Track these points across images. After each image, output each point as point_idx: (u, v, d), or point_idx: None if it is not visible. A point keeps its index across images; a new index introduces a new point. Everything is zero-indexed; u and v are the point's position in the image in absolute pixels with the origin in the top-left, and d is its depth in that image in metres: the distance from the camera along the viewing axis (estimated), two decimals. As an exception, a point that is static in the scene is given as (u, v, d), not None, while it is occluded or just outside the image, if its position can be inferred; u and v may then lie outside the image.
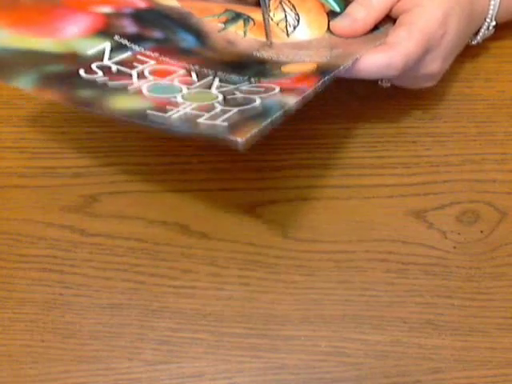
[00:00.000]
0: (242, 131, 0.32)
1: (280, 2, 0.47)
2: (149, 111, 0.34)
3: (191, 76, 0.37)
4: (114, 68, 0.39)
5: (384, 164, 0.50)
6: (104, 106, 0.35)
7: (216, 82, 0.37)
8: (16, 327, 0.45)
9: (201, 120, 0.33)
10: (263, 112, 0.34)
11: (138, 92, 0.36)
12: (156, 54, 0.40)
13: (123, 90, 0.36)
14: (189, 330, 0.44)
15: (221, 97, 0.35)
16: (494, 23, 0.49)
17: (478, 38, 0.50)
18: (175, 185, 0.49)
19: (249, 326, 0.44)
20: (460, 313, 0.45)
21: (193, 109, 0.34)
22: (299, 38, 0.46)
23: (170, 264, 0.46)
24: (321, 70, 0.39)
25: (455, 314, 0.45)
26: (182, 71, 0.38)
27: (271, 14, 0.46)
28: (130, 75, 0.38)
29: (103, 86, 0.37)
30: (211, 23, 0.45)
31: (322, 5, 0.47)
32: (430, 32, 0.44)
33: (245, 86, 0.36)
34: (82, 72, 0.38)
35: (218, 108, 0.34)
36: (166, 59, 0.40)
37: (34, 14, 0.41)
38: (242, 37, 0.46)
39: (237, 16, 0.46)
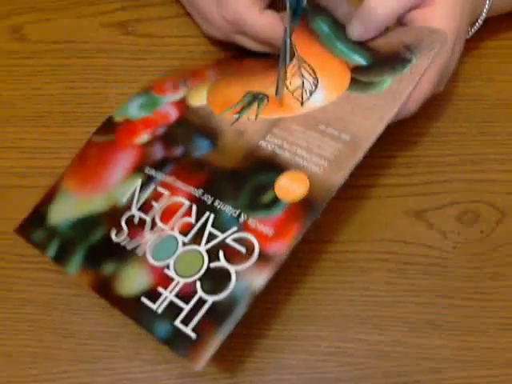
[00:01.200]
0: (203, 352, 0.36)
1: (299, 67, 0.45)
2: (143, 298, 0.39)
3: (191, 214, 0.41)
4: (137, 218, 0.43)
5: (384, 164, 0.50)
6: (113, 290, 0.41)
7: (209, 225, 0.41)
8: (16, 327, 0.45)
9: (177, 322, 0.38)
10: (229, 305, 0.37)
11: (143, 258, 0.41)
12: (173, 179, 0.44)
13: (133, 256, 0.41)
14: (189, 330, 0.44)
15: (205, 263, 0.39)
16: (484, 18, 0.49)
17: (469, 33, 0.50)
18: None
19: (249, 326, 0.44)
20: (460, 313, 0.45)
21: (176, 295, 0.39)
22: (314, 104, 0.44)
23: (170, 264, 0.46)
24: (309, 199, 0.40)
25: (455, 314, 0.45)
26: (187, 204, 0.42)
27: (287, 83, 0.45)
28: (144, 226, 0.42)
29: (122, 253, 0.42)
30: (227, 117, 0.46)
31: (345, 63, 0.45)
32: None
33: (230, 237, 0.40)
34: (113, 235, 0.43)
35: (197, 296, 0.38)
36: (179, 184, 0.43)
37: (95, 167, 0.47)
38: (253, 121, 0.45)
39: (253, 99, 0.46)
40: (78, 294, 0.46)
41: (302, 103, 0.44)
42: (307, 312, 0.45)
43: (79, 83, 0.53)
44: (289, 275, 0.46)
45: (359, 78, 0.44)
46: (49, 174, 0.49)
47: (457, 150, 0.50)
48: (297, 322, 0.44)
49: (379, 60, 0.45)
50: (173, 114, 0.48)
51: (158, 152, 0.46)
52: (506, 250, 0.47)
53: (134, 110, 0.49)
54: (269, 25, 0.47)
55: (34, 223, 0.45)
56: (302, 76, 0.45)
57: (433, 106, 0.52)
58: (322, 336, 0.44)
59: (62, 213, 0.45)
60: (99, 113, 0.51)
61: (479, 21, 0.49)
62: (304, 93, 0.45)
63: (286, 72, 0.45)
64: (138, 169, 0.45)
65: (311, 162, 0.41)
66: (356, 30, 0.45)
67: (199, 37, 0.55)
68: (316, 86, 0.45)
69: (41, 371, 0.44)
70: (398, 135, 0.51)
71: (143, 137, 0.47)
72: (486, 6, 0.48)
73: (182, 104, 0.48)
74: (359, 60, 0.45)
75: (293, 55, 0.46)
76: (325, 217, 0.48)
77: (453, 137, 0.51)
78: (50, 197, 0.46)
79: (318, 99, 0.44)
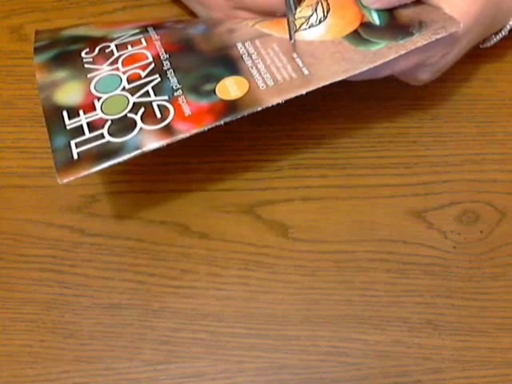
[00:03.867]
0: (72, 171, 0.41)
1: (317, 2, 0.46)
2: (64, 112, 0.44)
3: (145, 69, 0.45)
4: (108, 50, 0.47)
5: (384, 164, 0.50)
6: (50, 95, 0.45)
7: (151, 84, 0.44)
8: (16, 327, 0.45)
9: (73, 142, 0.42)
10: (116, 150, 0.41)
11: (88, 81, 0.45)
12: (157, 38, 0.47)
13: (83, 74, 0.45)
14: (189, 330, 0.44)
15: (125, 111, 0.43)
16: (508, 30, 0.49)
17: (488, 44, 0.51)
18: (175, 185, 0.49)
19: (249, 326, 0.44)
20: (460, 313, 0.45)
21: (88, 123, 0.43)
22: (306, 36, 0.46)
23: (169, 264, 0.46)
24: (236, 104, 0.43)
25: (455, 313, 0.45)
26: (149, 60, 0.46)
27: (298, 10, 0.46)
28: (109, 58, 0.46)
29: (78, 68, 0.46)
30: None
31: (361, 15, 0.46)
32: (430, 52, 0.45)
33: (157, 102, 0.43)
34: (83, 53, 0.47)
35: (100, 130, 0.42)
36: (157, 43, 0.47)
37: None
38: (248, 27, 0.47)
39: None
40: (78, 294, 0.46)
41: (296, 30, 0.46)
42: (307, 312, 0.45)
43: (79, 83, 0.53)
44: (289, 275, 0.46)
45: (361, 33, 0.45)
46: (49, 174, 0.49)
47: (457, 150, 0.50)
48: (297, 322, 0.44)
49: (390, 26, 0.45)
50: None
51: (167, 23, 0.50)
52: (506, 249, 0.46)
53: None
54: None
55: (51, 32, 0.50)
56: (315, 10, 0.46)
57: (433, 106, 0.52)
58: (321, 336, 0.44)
59: (71, 31, 0.50)
60: (99, 113, 0.51)
61: (503, 32, 0.49)
62: (304, 23, 0.46)
63: (294, 19, 0.46)
64: (144, 27, 0.49)
65: (261, 77, 0.44)
66: None
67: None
68: (320, 23, 0.46)
69: (41, 371, 0.44)
70: (398, 135, 0.51)
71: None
72: None
73: None
74: (375, 19, 0.46)
75: (298, 2, 0.47)
76: (325, 217, 0.48)
77: (453, 137, 0.51)
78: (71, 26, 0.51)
79: (313, 34, 0.46)
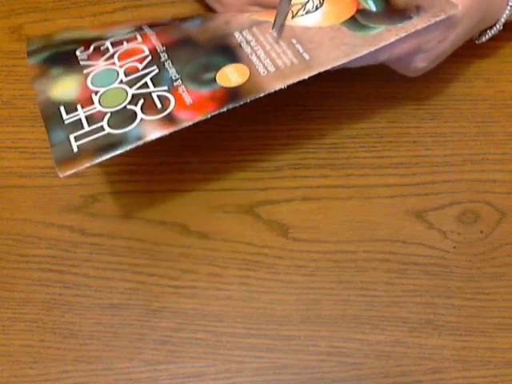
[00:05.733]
0: (73, 164, 0.40)
1: None
2: (61, 107, 0.43)
3: (142, 62, 0.45)
4: (104, 47, 0.47)
5: (384, 164, 0.50)
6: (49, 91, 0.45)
7: (149, 76, 0.45)
8: (16, 327, 0.45)
9: (72, 136, 0.42)
10: (117, 141, 0.41)
11: (84, 77, 0.45)
12: (153, 33, 0.47)
13: (79, 71, 0.46)
14: (189, 330, 0.44)
15: (124, 103, 0.43)
16: (502, 23, 0.49)
17: (484, 39, 0.51)
18: (175, 185, 0.49)
19: (249, 326, 0.44)
20: (460, 313, 0.45)
21: (86, 116, 0.43)
22: (303, 22, 0.46)
23: (169, 264, 0.46)
24: (238, 91, 0.43)
25: (455, 313, 0.45)
26: (146, 53, 0.46)
27: None
28: (105, 54, 0.47)
29: (73, 65, 0.46)
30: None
31: (357, 1, 0.46)
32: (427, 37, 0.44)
33: (157, 93, 0.44)
34: (78, 51, 0.47)
35: (100, 123, 0.42)
36: (153, 38, 0.47)
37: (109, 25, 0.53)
38: (244, 17, 0.47)
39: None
40: (78, 294, 0.46)
41: (292, 17, 0.46)
42: (307, 312, 0.45)
43: (79, 83, 0.54)
44: (289, 275, 0.46)
45: (359, 20, 0.45)
46: (49, 174, 0.49)
47: (457, 150, 0.50)
48: (296, 322, 0.44)
49: (387, 12, 0.45)
50: None
51: (161, 21, 0.50)
52: (506, 249, 0.46)
53: None
54: None
55: (43, 37, 0.50)
56: None
57: (433, 106, 0.52)
58: (321, 336, 0.44)
59: (66, 33, 0.50)
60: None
61: (497, 25, 0.49)
62: (301, 9, 0.46)
63: (288, 10, 0.46)
64: (138, 26, 0.49)
65: (262, 63, 0.44)
66: None
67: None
68: (316, 9, 0.46)
69: (41, 371, 0.44)
70: (399, 135, 0.51)
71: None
72: (507, 12, 0.48)
73: None
74: (371, 5, 0.46)
75: None
76: (325, 217, 0.48)
77: (453, 137, 0.51)
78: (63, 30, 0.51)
79: (310, 20, 0.46)
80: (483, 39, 0.51)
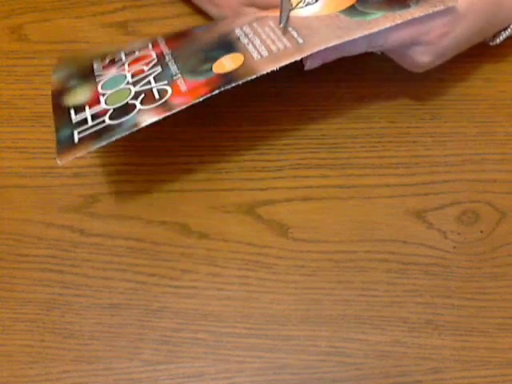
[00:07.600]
0: (71, 152, 0.42)
1: None
2: (71, 110, 0.45)
3: (149, 65, 0.47)
4: (117, 58, 0.49)
5: (384, 164, 0.50)
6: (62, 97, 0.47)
7: (153, 75, 0.46)
8: (16, 327, 0.45)
9: (76, 131, 0.44)
10: (114, 129, 0.43)
11: (96, 84, 0.47)
12: (163, 40, 0.49)
13: (92, 81, 0.47)
14: (189, 330, 0.44)
15: (127, 100, 0.45)
16: None
17: (498, 40, 0.50)
18: (175, 185, 0.49)
19: (249, 326, 0.44)
20: (460, 313, 0.45)
21: (92, 114, 0.44)
22: (302, 13, 0.46)
23: (169, 264, 0.46)
24: (231, 75, 0.43)
25: (455, 313, 0.45)
26: (153, 58, 0.47)
27: None
28: (117, 63, 0.48)
29: (89, 77, 0.48)
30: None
31: None
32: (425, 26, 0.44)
33: (157, 88, 0.45)
34: (95, 64, 0.49)
35: (102, 118, 0.44)
36: (162, 44, 0.49)
37: None
38: (250, 15, 0.48)
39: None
40: (78, 294, 0.46)
41: (291, 9, 0.46)
42: (307, 312, 0.45)
43: (79, 83, 0.54)
44: (289, 275, 0.46)
45: (358, 8, 0.45)
46: (49, 174, 0.49)
47: (457, 150, 0.50)
48: (297, 322, 0.44)
49: (388, 1, 0.45)
50: None
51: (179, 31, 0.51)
52: (506, 249, 0.46)
53: None
54: None
55: (71, 56, 0.52)
56: None
57: (433, 106, 0.52)
58: (321, 336, 0.44)
59: (92, 51, 0.52)
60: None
61: (509, 29, 0.49)
62: (301, 2, 0.46)
63: (290, 5, 0.46)
64: (155, 38, 0.51)
65: (257, 50, 0.44)
66: None
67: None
68: (316, 1, 0.46)
69: (41, 371, 0.44)
70: (399, 135, 0.51)
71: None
72: None
73: None
74: None
75: None
76: (325, 217, 0.48)
77: (453, 137, 0.51)
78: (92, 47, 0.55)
79: (309, 11, 0.46)
80: (497, 41, 0.51)
